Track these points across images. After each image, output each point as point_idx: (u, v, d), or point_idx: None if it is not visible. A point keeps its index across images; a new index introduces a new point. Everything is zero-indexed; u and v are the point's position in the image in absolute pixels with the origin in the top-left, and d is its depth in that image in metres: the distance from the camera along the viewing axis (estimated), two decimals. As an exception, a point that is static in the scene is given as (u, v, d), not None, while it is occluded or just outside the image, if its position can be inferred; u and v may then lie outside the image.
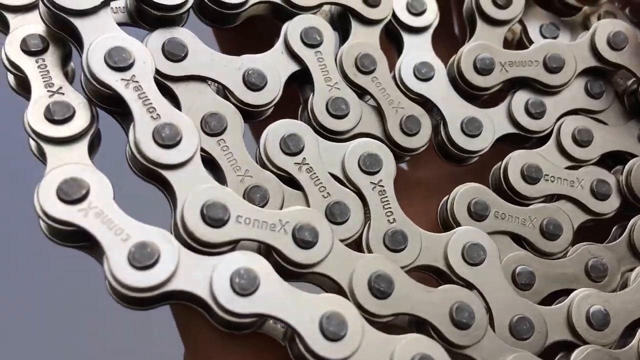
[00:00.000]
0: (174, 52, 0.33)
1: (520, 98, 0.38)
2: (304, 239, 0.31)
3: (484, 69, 0.38)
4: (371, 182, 0.35)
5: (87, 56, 0.31)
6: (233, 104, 0.34)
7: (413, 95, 0.37)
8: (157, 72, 0.33)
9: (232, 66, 0.34)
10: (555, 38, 0.41)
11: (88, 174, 0.29)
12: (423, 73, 0.37)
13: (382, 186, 0.35)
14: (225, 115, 0.33)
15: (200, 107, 0.33)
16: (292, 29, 0.36)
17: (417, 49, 0.38)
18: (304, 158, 0.34)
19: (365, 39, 0.37)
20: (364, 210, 0.34)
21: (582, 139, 0.38)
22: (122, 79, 0.31)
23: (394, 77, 0.38)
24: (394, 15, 0.38)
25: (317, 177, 0.34)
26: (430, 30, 0.39)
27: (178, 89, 0.33)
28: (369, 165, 0.35)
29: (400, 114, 0.36)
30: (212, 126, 0.33)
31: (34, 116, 0.31)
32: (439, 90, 0.38)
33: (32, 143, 0.33)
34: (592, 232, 0.39)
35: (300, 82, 0.37)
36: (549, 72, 0.38)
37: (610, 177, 0.39)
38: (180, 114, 0.31)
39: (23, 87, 0.33)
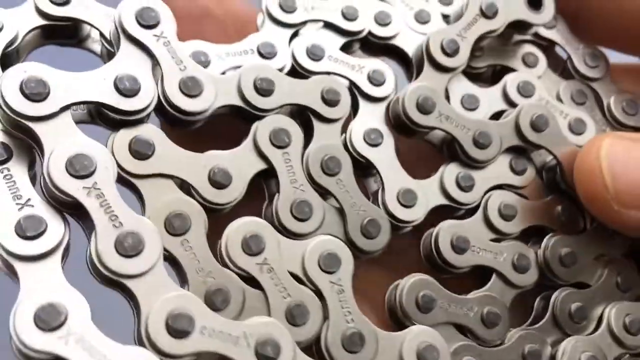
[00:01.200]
0: (141, 151, 0.33)
1: (451, 171, 0.41)
2: (266, 354, 0.31)
3: (424, 109, 0.39)
4: (330, 281, 0.35)
5: (47, 165, 0.30)
6: (197, 201, 0.34)
7: (360, 158, 0.39)
8: (123, 169, 0.32)
9: (198, 164, 0.34)
10: (475, 109, 0.43)
11: (65, 296, 0.28)
12: (372, 139, 0.39)
13: (341, 285, 0.35)
14: (189, 215, 0.33)
15: (164, 205, 0.33)
16: (262, 129, 0.36)
17: (370, 115, 0.40)
18: (265, 258, 0.34)
19: (329, 139, 0.38)
20: (322, 310, 0.35)
21: (507, 214, 0.41)
22: (83, 187, 0.30)
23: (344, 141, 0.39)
24: (354, 84, 0.40)
25: (277, 277, 0.34)
26: (387, 102, 0.41)
27: (143, 186, 0.33)
28: (328, 265, 0.35)
29: (361, 217, 0.37)
30: (175, 227, 0.33)
31: (4, 232, 0.29)
32: (384, 158, 0.39)
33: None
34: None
35: (265, 176, 0.37)
36: (478, 148, 0.41)
37: (530, 251, 0.41)
38: (142, 219, 0.31)
39: None
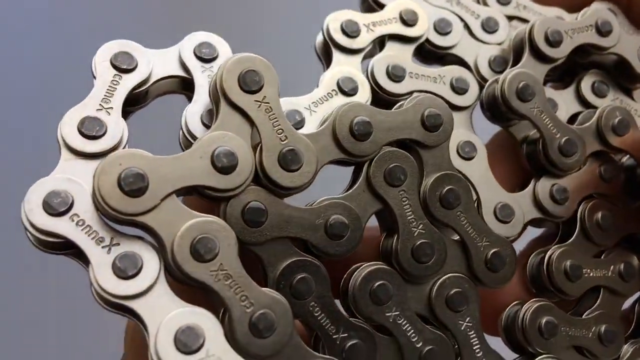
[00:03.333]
0: (255, 220, 0.32)
1: (545, 184, 0.39)
2: None
3: (523, 96, 0.38)
4: (460, 321, 0.35)
5: (172, 254, 0.29)
6: (312, 254, 0.33)
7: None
8: (240, 241, 0.31)
9: (312, 219, 0.33)
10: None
11: (203, 319, 0.29)
12: (466, 152, 0.39)
13: (470, 324, 0.35)
14: (312, 278, 0.33)
15: (283, 265, 0.32)
16: (376, 169, 0.34)
17: (460, 125, 0.39)
18: (392, 307, 0.34)
19: (439, 165, 0.36)
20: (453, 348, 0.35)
21: (605, 225, 0.40)
22: (210, 272, 0.30)
23: None
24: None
25: (406, 322, 0.34)
26: (470, 110, 0.40)
27: (260, 250, 0.32)
28: (457, 304, 0.35)
29: (485, 251, 0.36)
30: (302, 290, 0.32)
31: (106, 279, 0.29)
32: (478, 171, 0.39)
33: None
34: None
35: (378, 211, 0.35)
36: (563, 155, 0.39)
37: (634, 258, 0.40)
38: (272, 296, 0.31)
39: (54, 247, 0.31)
